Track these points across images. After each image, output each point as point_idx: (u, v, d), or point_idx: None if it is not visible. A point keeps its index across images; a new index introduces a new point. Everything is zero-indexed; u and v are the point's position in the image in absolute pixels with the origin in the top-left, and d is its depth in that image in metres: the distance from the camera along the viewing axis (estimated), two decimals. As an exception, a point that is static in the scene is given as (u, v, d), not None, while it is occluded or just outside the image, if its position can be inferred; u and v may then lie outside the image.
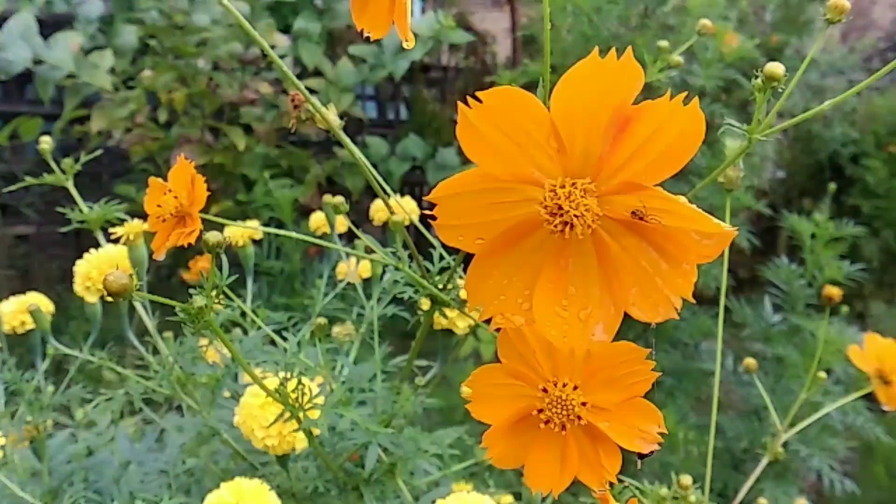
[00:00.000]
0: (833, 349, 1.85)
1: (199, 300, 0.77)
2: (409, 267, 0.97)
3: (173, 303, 0.76)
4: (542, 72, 1.86)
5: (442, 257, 1.00)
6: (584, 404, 0.54)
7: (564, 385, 0.54)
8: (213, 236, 0.76)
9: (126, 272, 0.70)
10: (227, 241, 0.77)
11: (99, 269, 1.07)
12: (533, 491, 0.55)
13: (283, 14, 2.76)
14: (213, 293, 0.77)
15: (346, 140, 0.92)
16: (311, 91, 2.90)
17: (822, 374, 1.16)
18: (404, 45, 0.60)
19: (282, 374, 0.95)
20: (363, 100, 3.39)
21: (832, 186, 2.20)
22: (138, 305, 1.18)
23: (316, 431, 0.96)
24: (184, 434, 1.22)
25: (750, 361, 1.19)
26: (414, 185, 3.34)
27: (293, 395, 0.93)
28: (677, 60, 1.08)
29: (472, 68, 3.35)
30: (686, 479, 0.97)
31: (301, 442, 1.01)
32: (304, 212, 2.67)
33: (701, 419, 2.26)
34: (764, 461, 1.17)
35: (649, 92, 0.47)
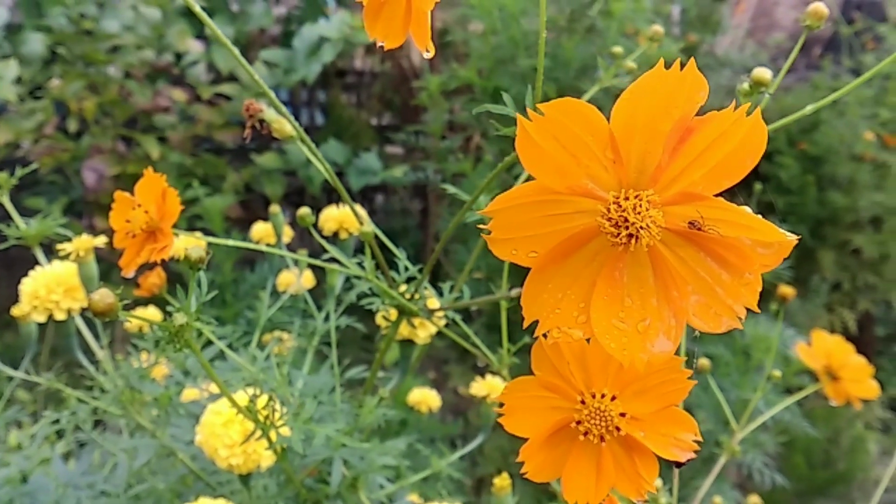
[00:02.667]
0: (763, 346, 1.90)
1: (178, 318, 0.74)
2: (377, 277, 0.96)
3: (155, 321, 0.74)
4: (470, 77, 1.87)
5: (407, 268, 0.99)
6: (622, 415, 0.54)
7: (602, 396, 0.54)
8: (194, 252, 0.73)
9: (111, 291, 0.67)
10: (209, 255, 0.74)
11: (47, 287, 1.02)
12: (569, 502, 0.55)
13: (197, 19, 2.68)
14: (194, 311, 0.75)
15: (312, 148, 0.91)
16: (226, 97, 2.85)
17: (777, 373, 1.19)
18: (424, 54, 0.59)
19: (250, 390, 0.93)
20: (278, 105, 3.33)
21: (758, 186, 2.26)
22: (80, 323, 1.13)
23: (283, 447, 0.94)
24: (129, 454, 1.18)
25: (704, 362, 1.21)
26: (331, 190, 3.31)
27: (264, 412, 0.90)
28: (630, 66, 1.09)
29: (388, 73, 3.33)
30: (657, 482, 0.98)
31: (267, 460, 0.99)
32: (225, 220, 2.60)
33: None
34: (722, 460, 1.20)
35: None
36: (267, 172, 2.71)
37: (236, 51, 0.80)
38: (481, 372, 2.77)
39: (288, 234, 1.40)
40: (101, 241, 1.03)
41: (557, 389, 0.55)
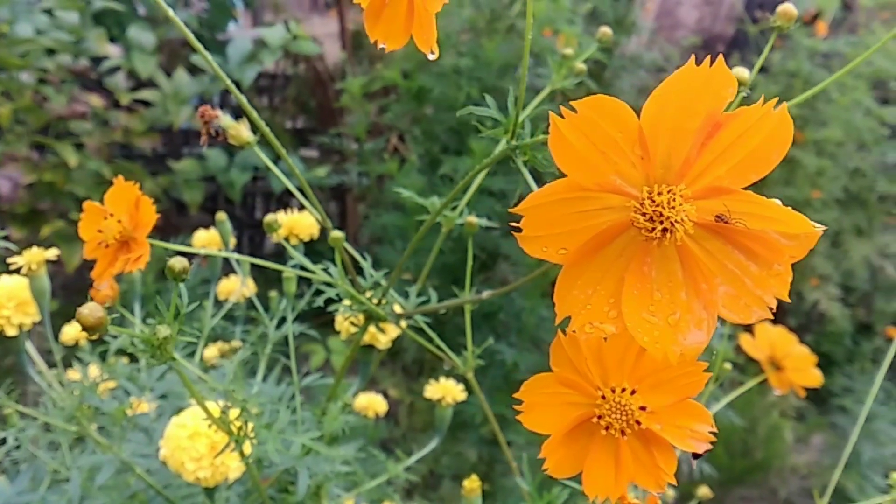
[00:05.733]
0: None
1: (162, 330, 0.72)
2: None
3: (136, 334, 0.72)
4: (394, 78, 1.87)
5: (371, 274, 0.99)
6: (642, 408, 0.55)
7: (623, 390, 0.55)
8: (178, 262, 0.72)
9: (100, 305, 0.65)
10: (192, 264, 0.73)
11: (-2, 302, 0.98)
12: (590, 498, 0.55)
13: (106, 24, 2.61)
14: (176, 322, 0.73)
15: (282, 153, 0.90)
16: (146, 104, 2.77)
17: (728, 366, 1.22)
18: (429, 56, 0.58)
19: (221, 402, 0.91)
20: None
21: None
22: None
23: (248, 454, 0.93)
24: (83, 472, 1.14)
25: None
26: (246, 196, 3.25)
27: (237, 423, 0.89)
28: (580, 68, 1.10)
29: (302, 76, 3.29)
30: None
31: (235, 472, 0.97)
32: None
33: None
34: (677, 453, 1.22)
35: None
36: (185, 180, 2.64)
37: (207, 54, 0.79)
38: (410, 375, 2.76)
39: (212, 242, 1.39)
40: (52, 253, 1.00)
41: (575, 385, 0.55)
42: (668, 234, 0.45)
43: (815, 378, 1.23)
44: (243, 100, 0.84)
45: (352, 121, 2.69)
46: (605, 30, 1.13)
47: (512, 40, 2.32)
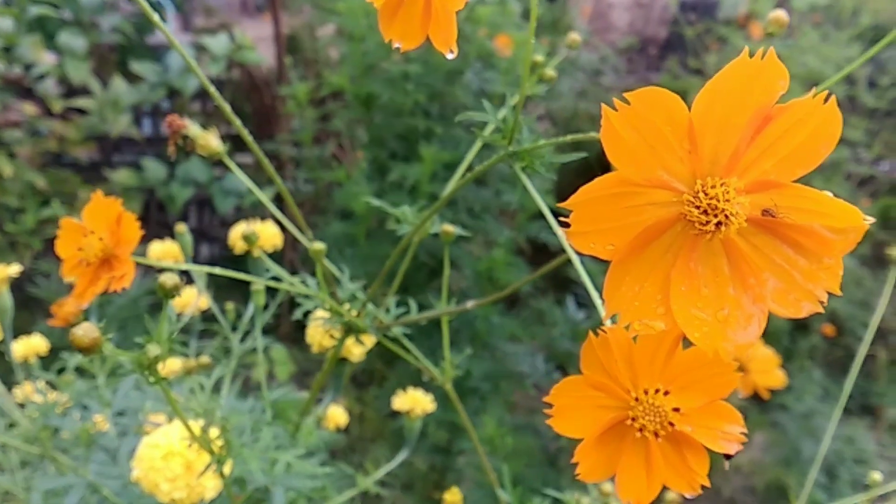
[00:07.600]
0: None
1: (152, 349, 0.69)
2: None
3: (126, 354, 0.68)
4: (342, 83, 1.84)
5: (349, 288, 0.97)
6: (675, 410, 0.53)
7: (656, 392, 0.53)
8: (169, 279, 0.69)
9: (95, 325, 0.62)
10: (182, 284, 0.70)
11: (-44, 321, 0.93)
12: (623, 501, 0.54)
13: (49, 31, 2.52)
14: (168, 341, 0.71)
15: (266, 164, 0.87)
16: (81, 111, 2.68)
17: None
18: (447, 56, 0.57)
19: (200, 420, 0.88)
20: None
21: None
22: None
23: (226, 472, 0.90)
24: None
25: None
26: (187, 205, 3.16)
27: (218, 442, 0.86)
28: (551, 75, 1.10)
29: (236, 81, 3.21)
30: (607, 487, 0.99)
31: (211, 492, 0.94)
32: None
33: (516, 420, 2.33)
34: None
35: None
36: (123, 190, 2.57)
37: (194, 62, 0.76)
38: (360, 385, 2.73)
39: (172, 253, 1.35)
40: (15, 270, 0.95)
41: (606, 388, 0.54)
42: (721, 228, 0.44)
43: (779, 379, 1.24)
44: (227, 108, 0.81)
45: (293, 126, 2.65)
46: (574, 36, 1.12)
47: (459, 46, 2.31)
